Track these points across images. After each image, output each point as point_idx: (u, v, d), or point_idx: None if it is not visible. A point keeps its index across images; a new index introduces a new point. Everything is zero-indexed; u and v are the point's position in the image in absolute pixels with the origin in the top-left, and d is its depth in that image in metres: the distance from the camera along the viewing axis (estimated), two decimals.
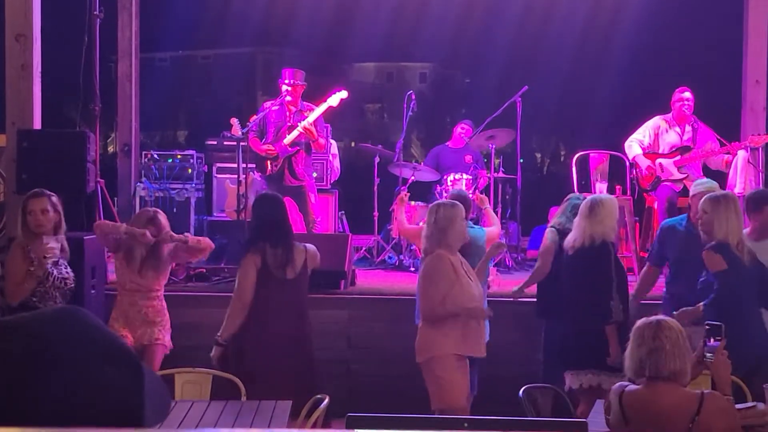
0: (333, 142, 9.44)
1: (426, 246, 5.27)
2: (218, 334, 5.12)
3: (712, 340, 3.75)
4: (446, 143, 9.56)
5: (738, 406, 3.74)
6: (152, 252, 5.68)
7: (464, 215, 5.33)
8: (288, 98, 7.73)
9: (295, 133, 7.66)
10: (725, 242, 5.01)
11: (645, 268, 6.08)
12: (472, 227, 6.10)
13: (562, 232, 5.71)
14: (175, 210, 9.01)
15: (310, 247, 5.30)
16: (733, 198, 5.21)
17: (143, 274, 5.63)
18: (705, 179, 6.23)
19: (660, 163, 7.70)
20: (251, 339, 5.07)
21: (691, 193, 5.91)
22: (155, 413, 1.23)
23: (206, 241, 5.96)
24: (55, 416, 1.13)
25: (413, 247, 8.03)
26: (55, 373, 1.15)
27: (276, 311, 5.10)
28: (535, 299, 6.08)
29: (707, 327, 3.78)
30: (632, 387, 3.45)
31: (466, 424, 2.49)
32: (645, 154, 7.73)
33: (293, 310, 5.16)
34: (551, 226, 5.97)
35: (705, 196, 5.27)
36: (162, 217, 5.75)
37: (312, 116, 7.65)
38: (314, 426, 4.16)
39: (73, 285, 5.46)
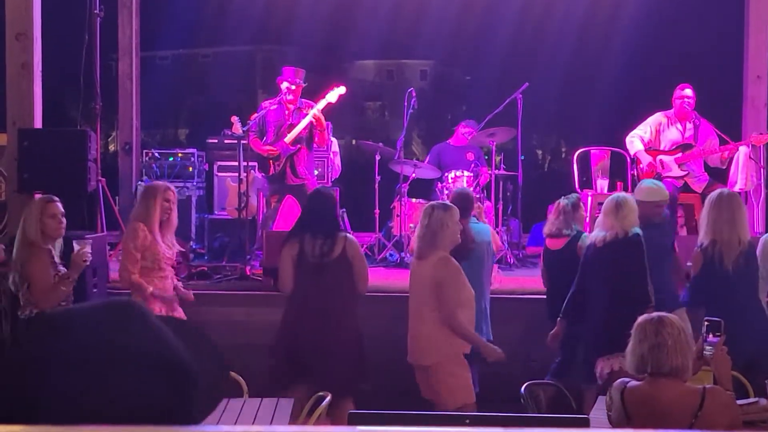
0: (334, 139, 9.43)
1: (420, 246, 5.27)
2: None
3: (711, 335, 3.76)
4: (448, 141, 9.56)
5: (739, 401, 3.74)
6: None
7: (458, 218, 5.31)
8: (288, 97, 7.72)
9: (298, 128, 7.65)
10: (709, 242, 5.08)
11: None
12: (476, 223, 6.09)
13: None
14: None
15: (351, 236, 5.53)
16: (726, 197, 5.25)
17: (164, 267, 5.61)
18: (650, 181, 6.26)
19: (661, 160, 7.69)
20: (292, 323, 5.36)
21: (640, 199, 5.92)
22: (203, 411, 1.21)
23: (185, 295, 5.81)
24: (94, 417, 1.11)
25: None
26: (99, 374, 1.13)
27: (313, 296, 5.32)
28: (534, 296, 6.11)
29: (706, 323, 3.79)
30: (634, 383, 3.45)
31: (467, 420, 2.49)
32: (646, 151, 7.73)
33: (331, 295, 5.33)
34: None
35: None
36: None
37: (318, 106, 7.64)
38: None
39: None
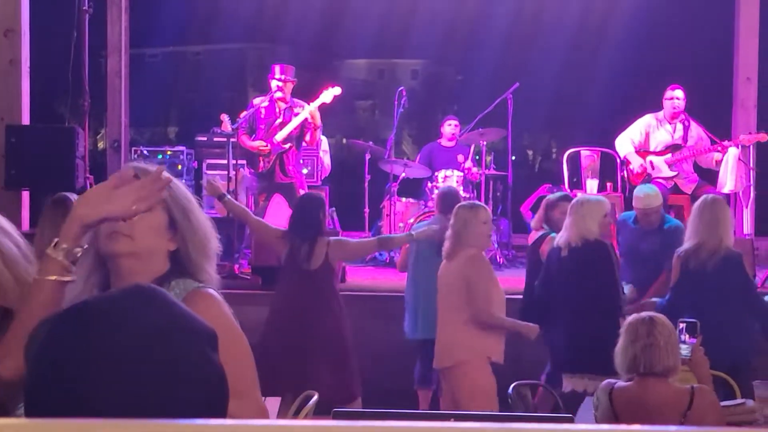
0: (324, 138, 9.41)
1: (447, 247, 5.19)
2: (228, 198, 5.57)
3: (688, 336, 3.76)
4: (438, 141, 9.55)
5: (727, 403, 3.74)
6: None
7: (486, 217, 5.19)
8: (278, 94, 7.67)
9: (290, 126, 7.61)
10: (691, 248, 5.10)
11: None
12: None
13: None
14: None
15: (335, 238, 5.57)
16: (710, 202, 5.26)
17: None
18: (646, 186, 6.32)
19: (651, 161, 7.70)
20: (275, 327, 5.32)
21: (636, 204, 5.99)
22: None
23: None
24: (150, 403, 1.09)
25: None
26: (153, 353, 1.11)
27: (299, 301, 5.32)
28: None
29: (682, 324, 3.79)
30: (622, 384, 3.45)
31: (452, 418, 2.48)
32: (636, 152, 7.74)
33: (316, 301, 5.34)
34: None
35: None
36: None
37: (313, 105, 7.58)
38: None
39: None
